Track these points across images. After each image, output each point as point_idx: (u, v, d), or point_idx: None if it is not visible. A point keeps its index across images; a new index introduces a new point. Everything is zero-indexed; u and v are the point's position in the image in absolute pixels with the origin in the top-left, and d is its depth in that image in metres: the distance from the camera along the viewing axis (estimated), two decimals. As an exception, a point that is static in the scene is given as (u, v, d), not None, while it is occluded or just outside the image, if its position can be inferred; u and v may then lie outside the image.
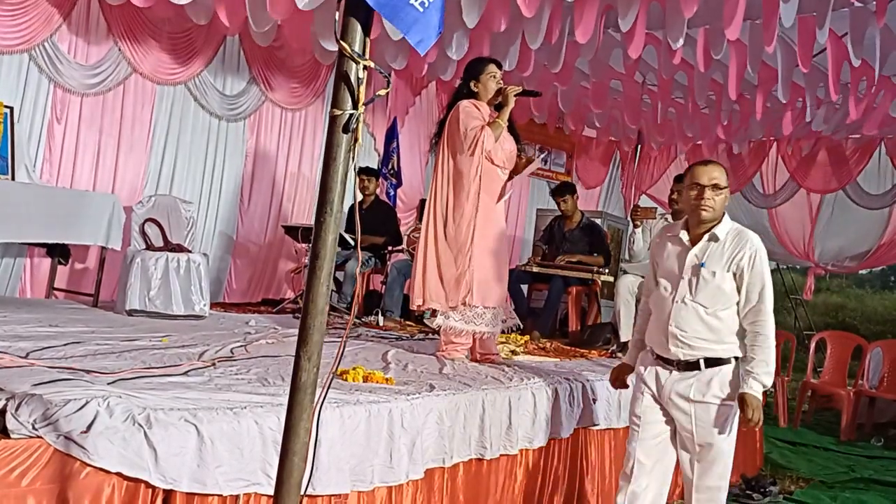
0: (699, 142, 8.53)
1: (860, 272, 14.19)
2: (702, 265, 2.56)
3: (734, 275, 2.55)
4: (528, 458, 3.18)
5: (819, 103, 6.32)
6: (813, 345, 6.86)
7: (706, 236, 2.59)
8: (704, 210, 2.55)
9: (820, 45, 4.68)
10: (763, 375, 2.50)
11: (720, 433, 2.56)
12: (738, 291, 2.56)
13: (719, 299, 2.56)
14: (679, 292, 2.60)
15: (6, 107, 4.73)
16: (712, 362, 2.57)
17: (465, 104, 3.76)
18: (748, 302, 2.55)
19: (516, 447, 3.08)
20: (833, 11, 4.39)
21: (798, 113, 6.55)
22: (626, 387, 2.92)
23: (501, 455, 3.01)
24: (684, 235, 2.65)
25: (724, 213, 2.62)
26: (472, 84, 3.83)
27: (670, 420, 2.67)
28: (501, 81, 3.87)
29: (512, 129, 3.93)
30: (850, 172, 7.79)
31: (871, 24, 4.50)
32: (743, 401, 2.52)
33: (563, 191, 6.00)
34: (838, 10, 4.46)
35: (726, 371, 2.57)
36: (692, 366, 2.58)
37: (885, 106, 5.94)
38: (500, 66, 3.91)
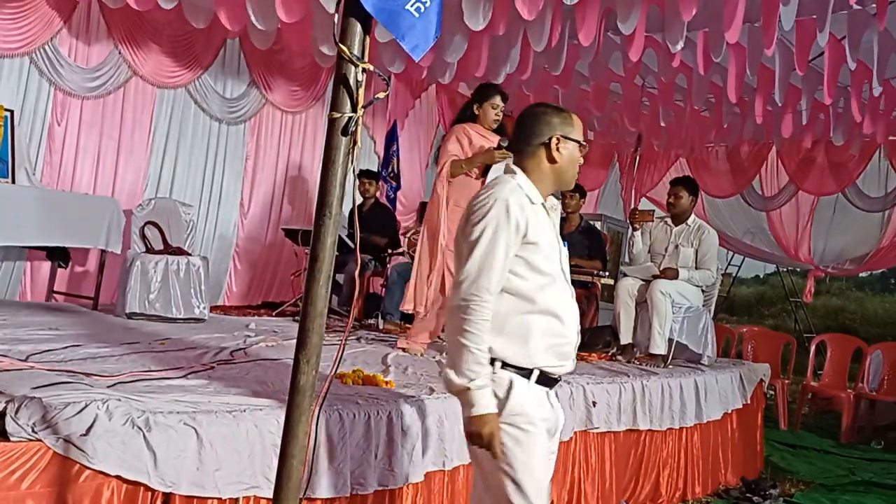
0: (698, 144, 8.53)
1: (860, 275, 14.22)
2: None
3: None
4: (528, 460, 3.18)
5: (818, 106, 6.31)
6: (813, 347, 6.86)
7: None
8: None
9: (819, 47, 4.68)
10: None
11: None
12: None
13: None
14: (564, 271, 1.91)
15: (7, 110, 4.73)
16: None
17: (457, 129, 4.01)
18: None
19: (516, 450, 3.08)
20: (832, 14, 4.39)
21: (797, 116, 6.55)
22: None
23: (501, 458, 3.00)
24: (535, 195, 1.90)
25: None
26: (474, 107, 4.06)
27: None
28: (501, 113, 4.07)
29: (501, 131, 4.07)
30: (849, 175, 7.79)
31: (870, 26, 4.50)
32: None
33: (574, 188, 6.04)
34: (837, 13, 4.46)
35: None
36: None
37: (889, 109, 5.93)
38: (505, 99, 4.09)
